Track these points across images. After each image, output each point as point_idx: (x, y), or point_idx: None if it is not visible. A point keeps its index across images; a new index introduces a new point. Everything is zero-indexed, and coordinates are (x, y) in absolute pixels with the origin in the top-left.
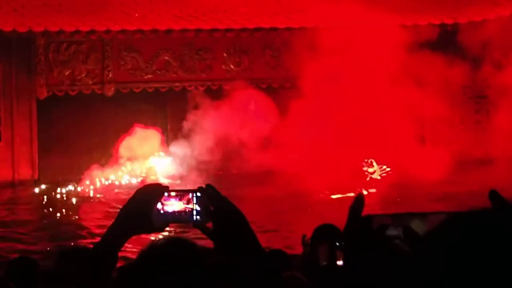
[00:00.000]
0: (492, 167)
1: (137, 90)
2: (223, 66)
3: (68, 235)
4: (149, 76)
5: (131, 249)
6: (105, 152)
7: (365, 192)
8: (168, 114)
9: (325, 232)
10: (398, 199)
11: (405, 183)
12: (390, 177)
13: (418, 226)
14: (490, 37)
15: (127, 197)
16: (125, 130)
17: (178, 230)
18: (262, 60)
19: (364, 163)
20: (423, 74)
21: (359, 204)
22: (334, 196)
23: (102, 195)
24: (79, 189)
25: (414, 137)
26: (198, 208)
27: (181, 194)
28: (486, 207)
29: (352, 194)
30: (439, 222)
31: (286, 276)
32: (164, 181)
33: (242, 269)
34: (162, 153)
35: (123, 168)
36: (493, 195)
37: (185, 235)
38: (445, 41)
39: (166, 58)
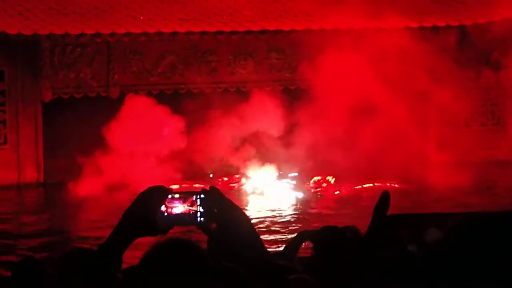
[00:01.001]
0: (497, 169)
1: (142, 93)
2: (228, 69)
3: (74, 236)
4: (154, 78)
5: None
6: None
7: None
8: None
9: (326, 234)
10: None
11: (411, 186)
12: (397, 180)
13: (437, 228)
14: (495, 39)
15: None
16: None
17: (182, 232)
18: (268, 62)
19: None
20: (428, 77)
21: (385, 203)
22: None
23: None
24: None
25: (419, 140)
26: (202, 210)
27: (185, 197)
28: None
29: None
30: (458, 222)
31: (295, 278)
32: None
33: (246, 270)
34: None
35: None
36: None
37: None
38: (450, 43)
39: (171, 60)
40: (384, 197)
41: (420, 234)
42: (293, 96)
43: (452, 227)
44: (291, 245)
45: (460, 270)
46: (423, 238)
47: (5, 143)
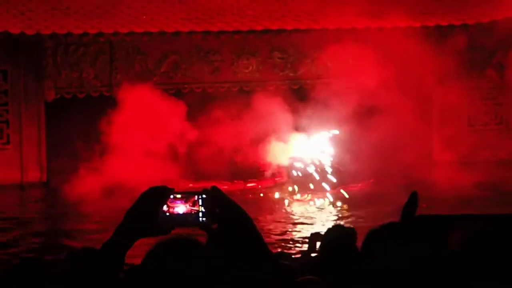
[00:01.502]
0: (500, 168)
1: None
2: (231, 68)
3: (77, 236)
4: (157, 78)
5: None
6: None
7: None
8: None
9: (336, 234)
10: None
11: (416, 187)
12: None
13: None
14: (499, 39)
15: None
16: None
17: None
18: (270, 62)
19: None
20: (431, 76)
21: (414, 202)
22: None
23: None
24: None
25: (422, 138)
26: (204, 210)
27: (186, 197)
28: None
29: None
30: (481, 225)
31: (305, 280)
32: None
33: (249, 270)
34: None
35: None
36: None
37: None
38: (453, 43)
39: (174, 60)
40: (413, 197)
41: (445, 235)
42: (296, 95)
43: (476, 230)
44: (309, 247)
45: (482, 271)
46: (449, 239)
47: (8, 143)
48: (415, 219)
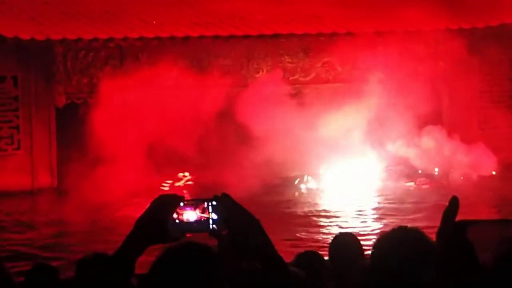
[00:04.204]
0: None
1: None
2: (241, 73)
3: (88, 242)
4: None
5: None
6: None
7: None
8: None
9: (307, 260)
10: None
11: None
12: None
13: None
14: (508, 41)
15: None
16: None
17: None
18: (280, 66)
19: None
20: (441, 80)
21: (454, 208)
22: None
23: None
24: None
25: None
26: (214, 217)
27: (196, 204)
28: None
29: None
30: None
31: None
32: None
33: (260, 276)
34: None
35: None
36: None
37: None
38: (463, 46)
39: (184, 65)
40: (453, 202)
41: (490, 241)
42: (304, 99)
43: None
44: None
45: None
46: (495, 246)
47: (18, 148)
48: (456, 225)
